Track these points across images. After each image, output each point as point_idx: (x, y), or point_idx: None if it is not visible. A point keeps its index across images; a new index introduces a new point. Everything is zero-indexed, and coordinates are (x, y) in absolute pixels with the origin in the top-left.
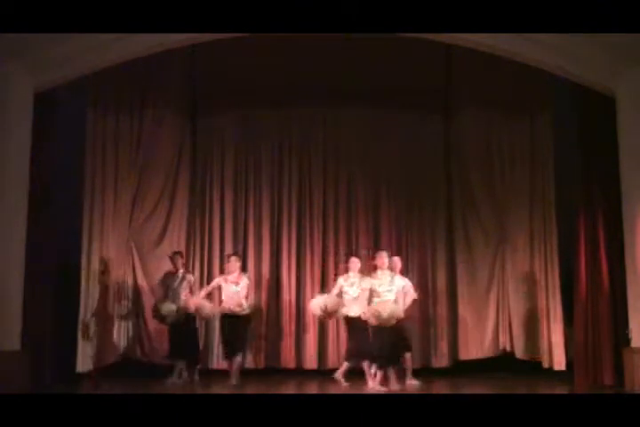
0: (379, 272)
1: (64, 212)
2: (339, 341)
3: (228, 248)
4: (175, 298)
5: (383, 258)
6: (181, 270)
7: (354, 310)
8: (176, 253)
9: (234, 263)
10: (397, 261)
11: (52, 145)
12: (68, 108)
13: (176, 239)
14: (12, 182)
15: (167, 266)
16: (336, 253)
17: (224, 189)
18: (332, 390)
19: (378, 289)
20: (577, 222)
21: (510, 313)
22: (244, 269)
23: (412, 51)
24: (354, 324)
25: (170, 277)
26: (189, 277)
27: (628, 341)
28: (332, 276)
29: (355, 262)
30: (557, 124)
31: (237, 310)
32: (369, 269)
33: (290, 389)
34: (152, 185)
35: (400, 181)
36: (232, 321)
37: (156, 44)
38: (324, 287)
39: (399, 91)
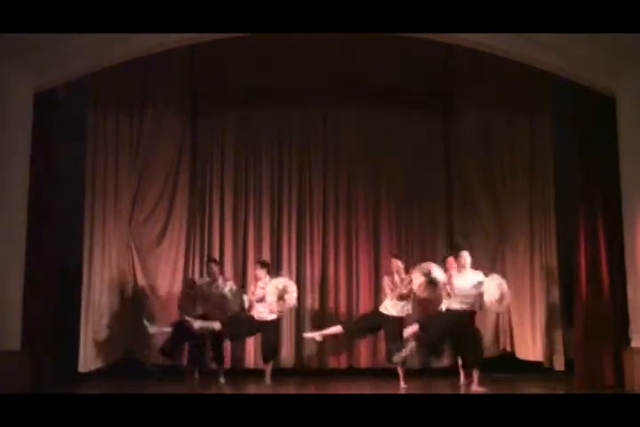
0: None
1: (64, 211)
2: (339, 340)
3: (228, 248)
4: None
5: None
6: (220, 279)
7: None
8: (210, 260)
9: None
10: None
11: (52, 145)
12: (68, 108)
13: (176, 239)
14: (12, 182)
15: (166, 266)
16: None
17: (224, 189)
18: (332, 390)
19: None
20: (577, 222)
21: (510, 313)
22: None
23: (412, 51)
24: None
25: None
26: (231, 284)
27: (628, 341)
28: (331, 275)
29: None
30: (557, 124)
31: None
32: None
33: (290, 389)
34: (152, 185)
35: (400, 181)
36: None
37: (156, 44)
38: (324, 287)
39: (399, 91)
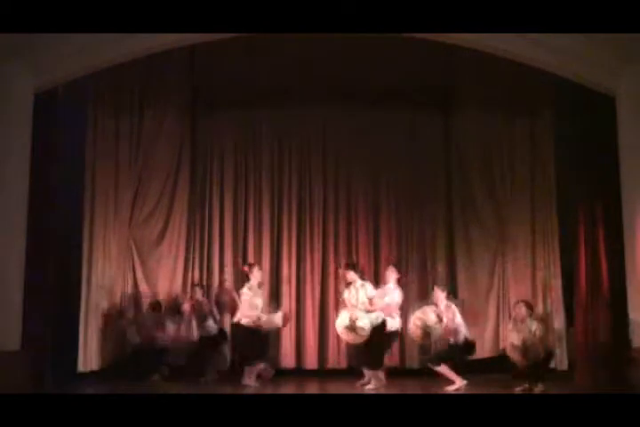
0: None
1: (64, 211)
2: (339, 341)
3: (228, 248)
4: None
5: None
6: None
7: None
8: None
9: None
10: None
11: (52, 145)
12: (68, 108)
13: (176, 239)
14: (12, 182)
15: (166, 266)
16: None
17: (224, 188)
18: (332, 390)
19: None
20: (577, 222)
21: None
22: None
23: (412, 51)
24: None
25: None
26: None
27: (628, 341)
28: (331, 276)
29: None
30: (557, 124)
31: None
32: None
33: (290, 389)
34: (152, 185)
35: (400, 180)
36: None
37: (155, 44)
38: (324, 287)
39: (399, 91)
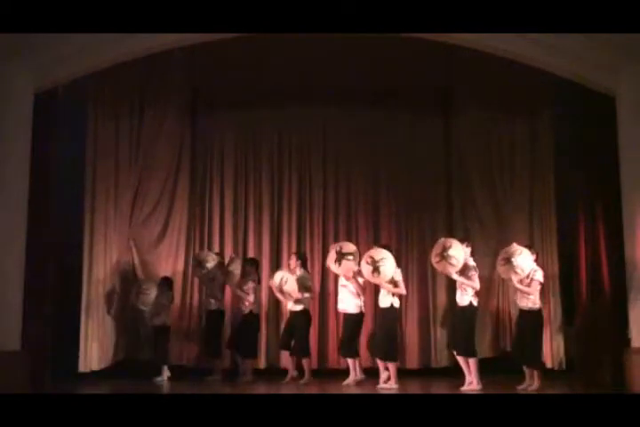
0: None
1: (64, 212)
2: (339, 341)
3: (228, 248)
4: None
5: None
6: None
7: None
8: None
9: None
10: None
11: (52, 145)
12: (68, 108)
13: (176, 239)
14: (12, 182)
15: (166, 266)
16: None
17: (224, 188)
18: (332, 390)
19: None
20: (577, 222)
21: (510, 313)
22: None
23: (412, 51)
24: None
25: None
26: None
27: (627, 341)
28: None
29: None
30: (557, 124)
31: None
32: None
33: (290, 389)
34: (152, 185)
35: (400, 181)
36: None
37: (156, 44)
38: (324, 287)
39: (399, 91)
